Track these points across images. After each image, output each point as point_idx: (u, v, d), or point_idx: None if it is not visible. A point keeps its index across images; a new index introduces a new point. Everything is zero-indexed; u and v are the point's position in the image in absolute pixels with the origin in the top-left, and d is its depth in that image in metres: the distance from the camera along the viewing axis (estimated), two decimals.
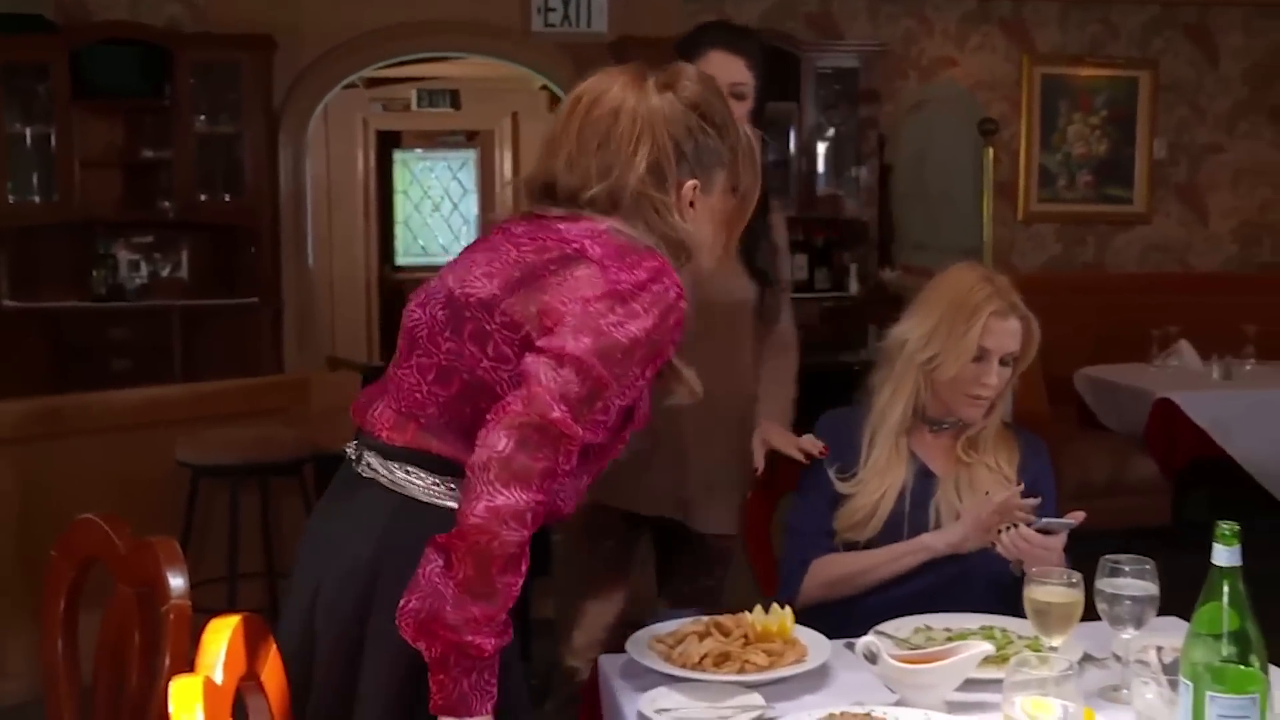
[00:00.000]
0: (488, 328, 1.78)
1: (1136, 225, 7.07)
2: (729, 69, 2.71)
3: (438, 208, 10.50)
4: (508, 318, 1.77)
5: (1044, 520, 2.32)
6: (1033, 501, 2.38)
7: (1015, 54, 6.93)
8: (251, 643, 1.57)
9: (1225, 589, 1.52)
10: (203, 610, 4.44)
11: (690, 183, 1.87)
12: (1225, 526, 1.52)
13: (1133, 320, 6.19)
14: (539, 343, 1.72)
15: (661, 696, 1.99)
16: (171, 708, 1.31)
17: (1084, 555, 2.59)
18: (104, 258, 6.42)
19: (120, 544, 2.03)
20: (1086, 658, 2.10)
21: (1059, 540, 2.33)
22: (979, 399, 2.51)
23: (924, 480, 2.54)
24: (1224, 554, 1.51)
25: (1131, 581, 1.94)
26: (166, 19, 6.38)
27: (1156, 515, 5.58)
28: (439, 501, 1.81)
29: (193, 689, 1.34)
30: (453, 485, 1.79)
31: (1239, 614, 1.51)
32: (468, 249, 1.92)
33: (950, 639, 2.22)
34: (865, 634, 2.25)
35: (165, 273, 6.51)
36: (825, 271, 6.71)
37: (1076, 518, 2.33)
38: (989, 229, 5.40)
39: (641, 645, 2.15)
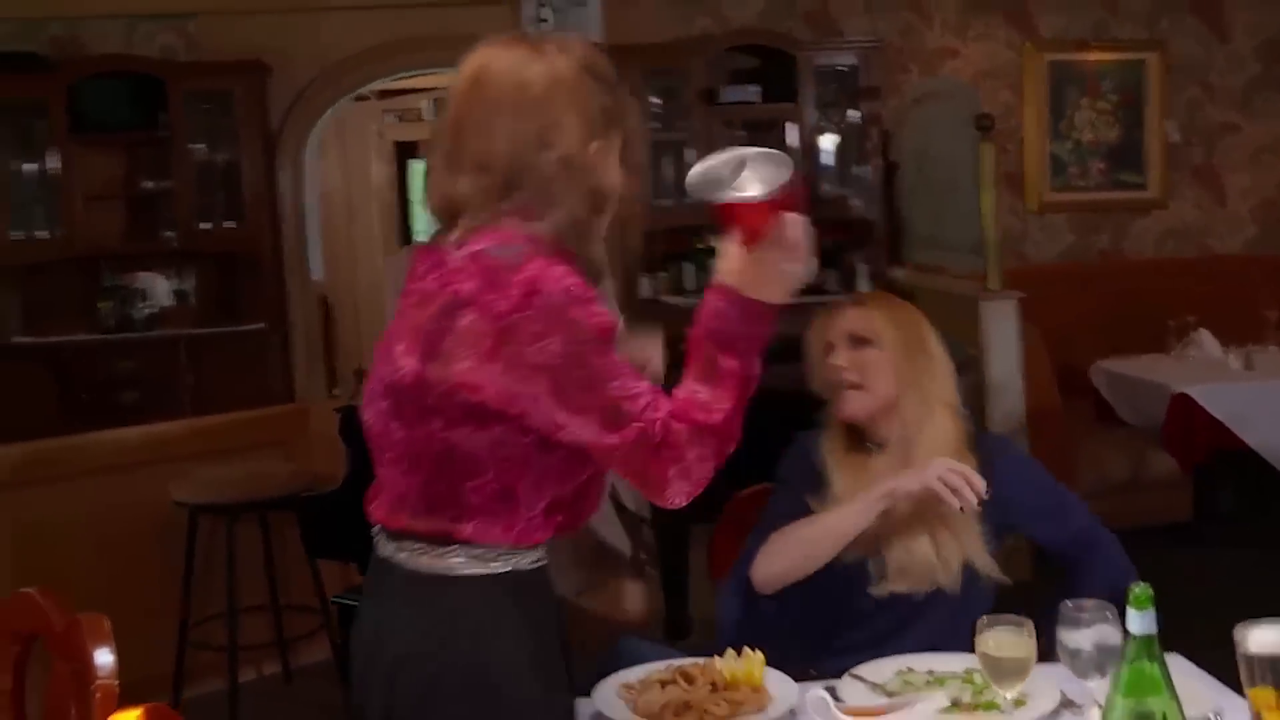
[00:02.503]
0: (428, 403, 1.77)
1: (1152, 210, 6.91)
2: None
3: None
4: (436, 388, 1.76)
5: None
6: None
7: (1018, 41, 6.79)
8: None
9: (1142, 653, 1.45)
10: (207, 647, 4.44)
11: (594, 144, 1.81)
12: (1139, 589, 1.44)
13: (1151, 308, 6.09)
14: (542, 422, 1.73)
15: None
16: None
17: None
18: (111, 290, 6.41)
19: (55, 621, 2.00)
20: (1065, 703, 2.02)
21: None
22: (840, 385, 2.48)
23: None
24: (1138, 620, 1.43)
25: (1091, 632, 1.83)
26: (160, 49, 6.36)
27: (1177, 511, 5.47)
28: (443, 570, 1.83)
29: None
30: (451, 554, 1.82)
31: (1157, 680, 1.46)
32: (389, 330, 1.87)
33: (930, 683, 2.16)
34: (841, 674, 2.19)
35: (172, 303, 6.48)
36: (834, 273, 6.58)
37: None
38: (991, 224, 5.27)
39: (608, 692, 2.13)
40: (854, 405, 2.48)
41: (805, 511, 2.47)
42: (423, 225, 10.30)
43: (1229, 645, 1.71)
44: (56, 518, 4.24)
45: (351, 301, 8.97)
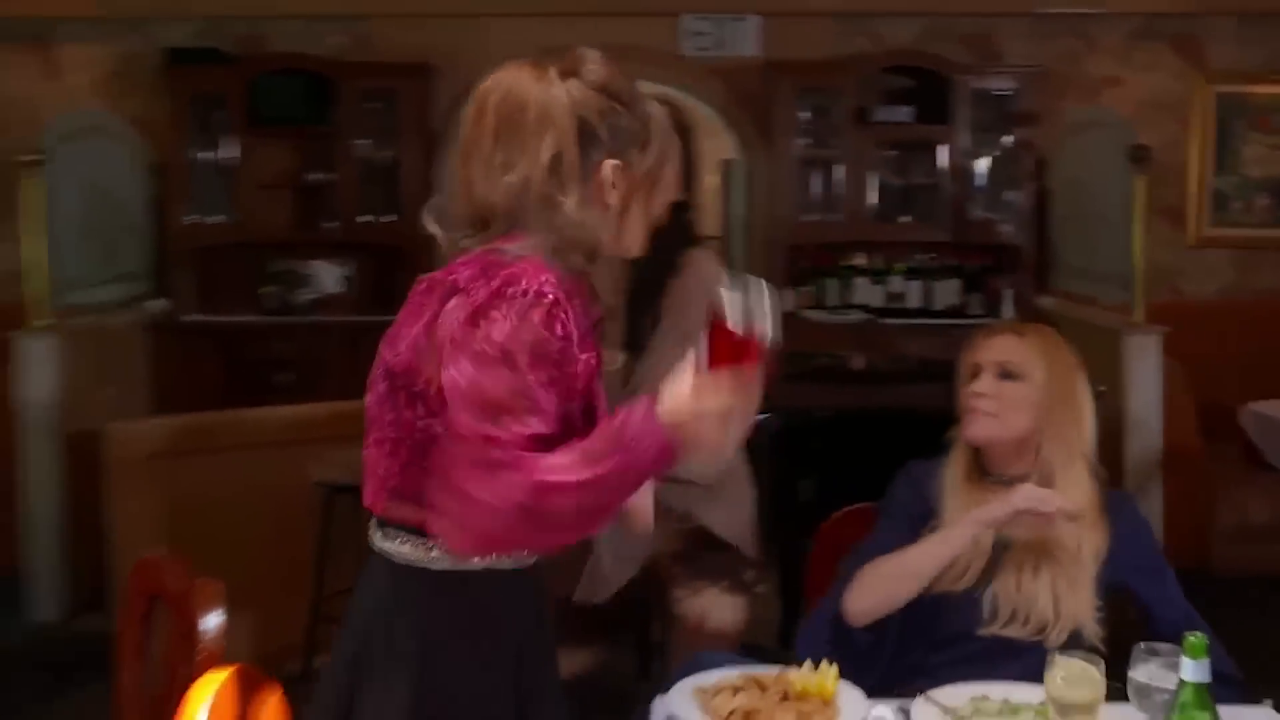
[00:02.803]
0: (415, 389, 1.81)
1: None
2: None
3: None
4: (424, 373, 1.79)
5: None
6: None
7: (1187, 72, 6.60)
8: (245, 691, 1.63)
9: (1193, 700, 1.45)
10: (336, 620, 4.61)
11: (610, 163, 1.83)
12: (1194, 639, 1.45)
13: None
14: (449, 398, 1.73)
15: None
16: None
17: (1245, 600, 2.48)
18: (275, 275, 6.68)
19: (172, 584, 2.14)
20: None
21: None
22: (974, 410, 2.47)
23: (1001, 537, 2.45)
24: (1191, 668, 1.44)
25: (1162, 675, 1.83)
26: (332, 49, 6.61)
27: None
28: (412, 560, 1.86)
29: None
30: (421, 543, 1.84)
31: None
32: (398, 317, 1.91)
33: (1002, 712, 2.16)
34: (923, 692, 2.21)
35: (333, 290, 6.73)
36: (979, 296, 6.55)
37: None
38: (1139, 258, 5.17)
39: (684, 694, 2.18)
40: (982, 429, 2.48)
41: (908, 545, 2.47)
42: None
43: None
44: (209, 488, 4.46)
45: None
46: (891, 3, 6.60)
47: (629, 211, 1.88)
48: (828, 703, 2.13)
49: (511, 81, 1.84)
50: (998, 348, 2.50)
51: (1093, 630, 2.37)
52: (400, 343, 1.84)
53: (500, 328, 1.70)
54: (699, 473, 2.66)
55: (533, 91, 1.81)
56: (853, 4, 6.58)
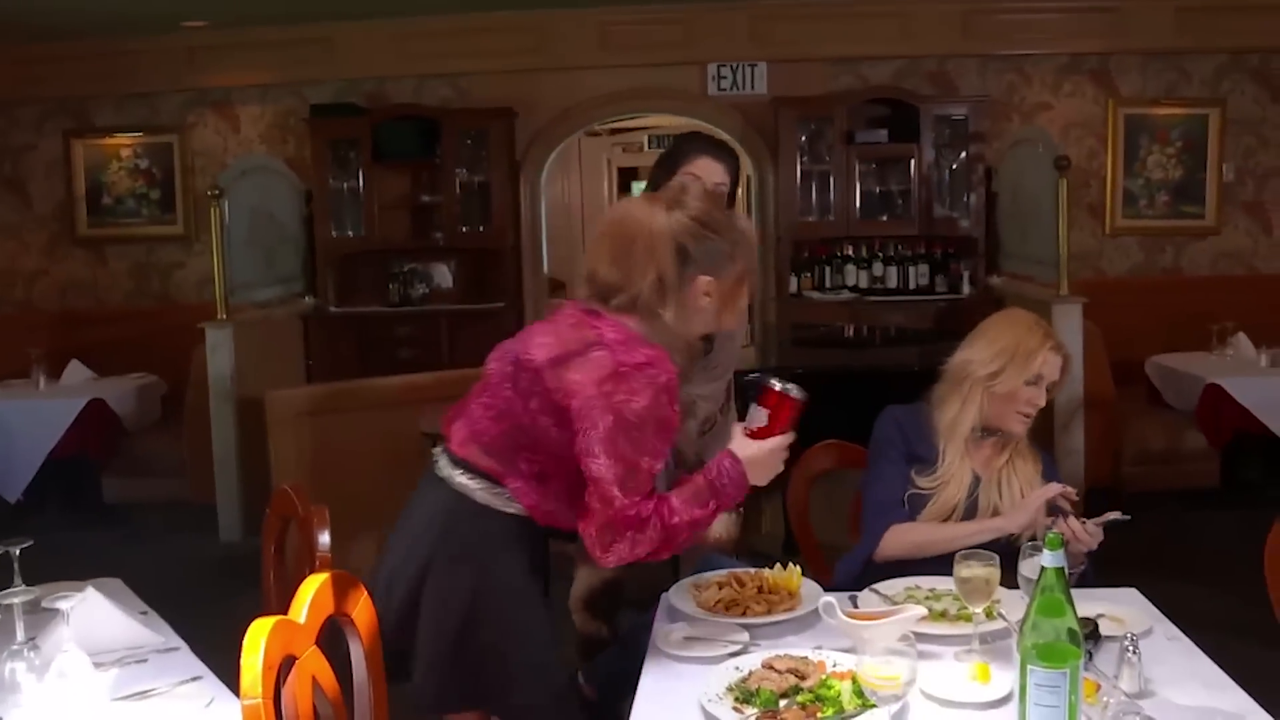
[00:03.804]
0: (535, 388, 1.84)
1: (1208, 236, 6.49)
2: (712, 172, 2.62)
3: None
4: (547, 385, 1.83)
5: (1109, 516, 2.23)
6: (1071, 491, 2.32)
7: (1102, 98, 6.45)
8: (340, 590, 1.68)
9: (1053, 583, 1.45)
10: None
11: (704, 278, 1.87)
12: (1051, 535, 1.46)
13: (1202, 316, 5.75)
14: (584, 445, 1.79)
15: (678, 628, 2.04)
16: (245, 643, 1.41)
17: (1146, 509, 2.45)
18: (396, 275, 6.72)
19: (299, 509, 2.21)
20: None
21: (1100, 534, 2.23)
22: (1028, 416, 2.43)
23: (974, 479, 2.45)
24: (1050, 557, 1.45)
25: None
26: (439, 99, 6.64)
27: (1206, 479, 5.20)
28: (481, 500, 1.91)
29: (262, 628, 1.43)
30: (494, 490, 1.90)
31: (1062, 604, 1.45)
32: (539, 322, 1.96)
33: (928, 598, 2.17)
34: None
35: (440, 285, 6.77)
36: (943, 277, 6.48)
37: (1123, 517, 2.24)
38: (1064, 245, 5.10)
39: (682, 589, 2.20)
40: (1024, 429, 2.45)
41: (907, 485, 2.43)
42: None
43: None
44: (344, 438, 4.51)
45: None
46: (872, 49, 6.50)
47: (721, 307, 1.93)
48: (793, 594, 2.14)
49: (627, 211, 1.90)
50: (1057, 368, 2.43)
51: (1042, 532, 2.33)
52: (533, 344, 1.88)
53: (640, 401, 1.77)
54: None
55: (642, 222, 1.86)
56: (841, 50, 6.50)
